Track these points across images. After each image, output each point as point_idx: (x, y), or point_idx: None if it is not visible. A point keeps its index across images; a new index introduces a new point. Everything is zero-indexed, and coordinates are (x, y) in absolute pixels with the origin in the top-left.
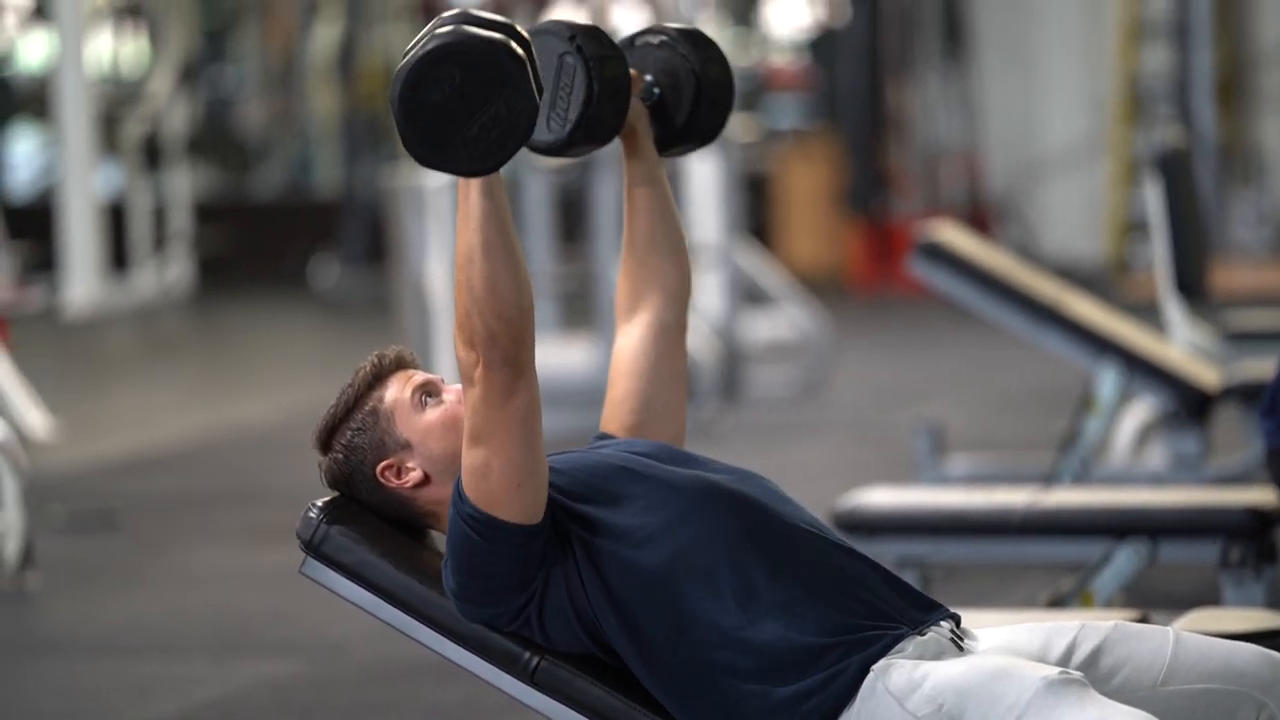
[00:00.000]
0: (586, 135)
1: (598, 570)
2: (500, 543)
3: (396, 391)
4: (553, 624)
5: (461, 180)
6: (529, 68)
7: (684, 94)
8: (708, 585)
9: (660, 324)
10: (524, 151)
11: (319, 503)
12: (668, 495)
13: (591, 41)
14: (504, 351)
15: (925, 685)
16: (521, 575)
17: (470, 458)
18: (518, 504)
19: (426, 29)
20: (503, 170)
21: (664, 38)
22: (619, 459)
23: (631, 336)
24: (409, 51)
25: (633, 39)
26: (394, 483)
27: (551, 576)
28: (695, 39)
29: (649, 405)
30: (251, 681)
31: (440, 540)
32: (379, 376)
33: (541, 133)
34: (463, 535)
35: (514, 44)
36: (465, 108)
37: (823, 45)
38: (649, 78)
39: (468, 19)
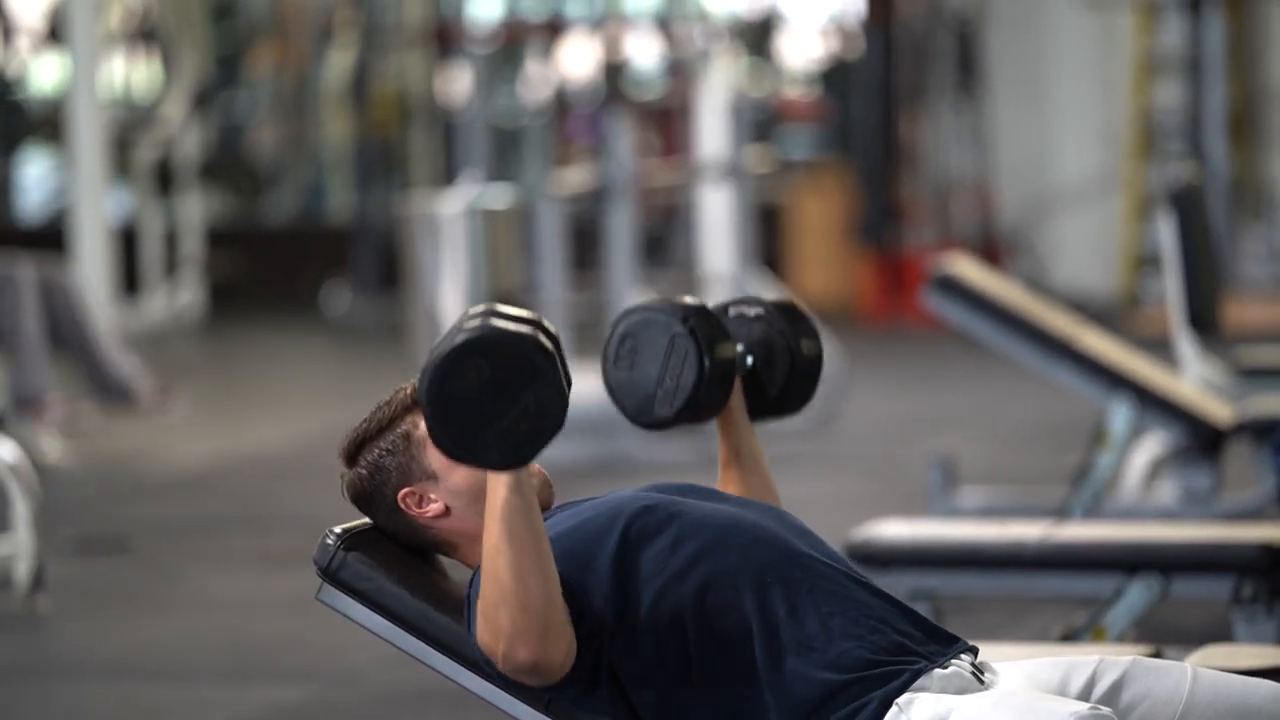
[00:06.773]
0: (692, 414)
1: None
2: None
3: None
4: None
5: (490, 475)
6: (558, 360)
7: (778, 369)
8: (730, 622)
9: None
10: (539, 177)
11: (337, 529)
12: (693, 530)
13: (704, 323)
14: (528, 648)
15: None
16: None
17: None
18: None
19: (455, 322)
20: (516, 200)
21: (760, 310)
22: (641, 499)
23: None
24: (437, 346)
25: (725, 308)
26: (414, 510)
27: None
28: (790, 314)
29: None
30: (264, 707)
31: (450, 565)
32: (418, 402)
33: (647, 409)
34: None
35: (542, 337)
36: (494, 401)
37: (836, 77)
38: (741, 347)
39: (495, 313)
